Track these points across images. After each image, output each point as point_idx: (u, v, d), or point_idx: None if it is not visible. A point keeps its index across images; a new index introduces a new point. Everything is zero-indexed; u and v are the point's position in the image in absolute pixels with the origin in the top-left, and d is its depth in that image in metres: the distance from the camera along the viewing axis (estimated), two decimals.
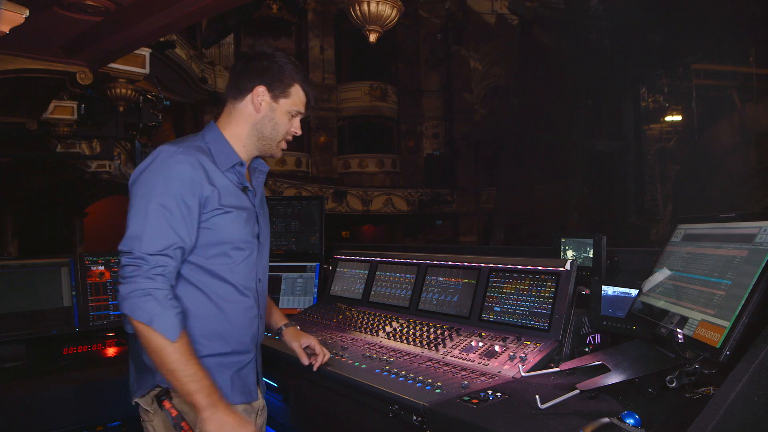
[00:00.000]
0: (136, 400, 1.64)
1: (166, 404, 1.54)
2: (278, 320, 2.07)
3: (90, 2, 2.31)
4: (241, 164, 1.71)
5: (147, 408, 1.62)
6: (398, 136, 21.42)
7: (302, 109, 1.77)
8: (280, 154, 1.81)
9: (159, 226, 1.50)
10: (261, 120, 1.72)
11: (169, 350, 1.44)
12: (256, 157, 1.81)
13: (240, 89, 1.71)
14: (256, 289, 1.74)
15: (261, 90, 1.70)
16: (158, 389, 1.58)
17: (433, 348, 2.11)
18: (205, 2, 2.36)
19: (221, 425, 1.44)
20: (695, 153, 15.47)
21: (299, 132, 1.80)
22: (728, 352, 1.25)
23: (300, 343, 1.99)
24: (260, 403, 1.75)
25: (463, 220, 20.48)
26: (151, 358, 1.47)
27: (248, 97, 1.71)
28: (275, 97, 1.72)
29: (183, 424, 1.52)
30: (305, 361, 1.97)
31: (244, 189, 1.71)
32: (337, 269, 3.03)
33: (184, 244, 1.54)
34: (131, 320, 1.46)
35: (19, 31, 2.04)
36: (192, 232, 1.55)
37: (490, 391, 1.61)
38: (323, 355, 1.99)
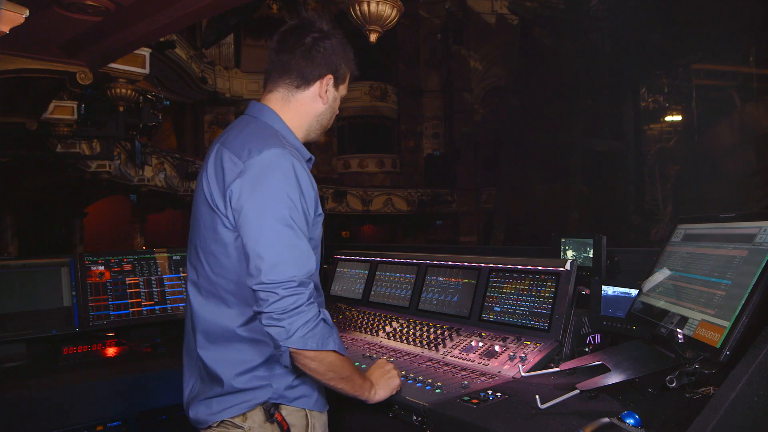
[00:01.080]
0: (227, 419, 1.48)
1: (279, 416, 1.49)
2: None
3: (90, 2, 2.30)
4: (310, 159, 1.54)
5: (240, 425, 1.47)
6: (398, 136, 21.43)
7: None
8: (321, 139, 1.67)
9: (302, 246, 1.35)
10: (324, 111, 1.55)
11: (344, 362, 1.43)
12: None
13: (306, 77, 1.49)
14: None
15: (329, 79, 1.51)
16: (267, 403, 1.48)
17: (433, 348, 2.11)
18: (205, 2, 2.35)
19: (384, 389, 1.59)
20: (695, 153, 15.49)
21: (337, 111, 1.65)
22: (728, 352, 1.25)
23: None
24: None
25: (463, 220, 20.49)
26: (322, 374, 1.40)
27: (315, 87, 1.51)
28: (336, 85, 1.55)
29: None
30: None
31: None
32: (337, 269, 3.03)
33: None
34: (303, 352, 1.32)
35: (19, 31, 2.04)
36: None
37: (490, 391, 1.61)
38: None
